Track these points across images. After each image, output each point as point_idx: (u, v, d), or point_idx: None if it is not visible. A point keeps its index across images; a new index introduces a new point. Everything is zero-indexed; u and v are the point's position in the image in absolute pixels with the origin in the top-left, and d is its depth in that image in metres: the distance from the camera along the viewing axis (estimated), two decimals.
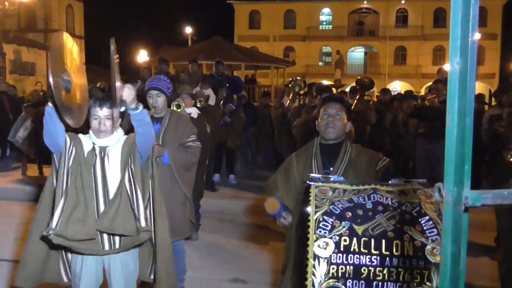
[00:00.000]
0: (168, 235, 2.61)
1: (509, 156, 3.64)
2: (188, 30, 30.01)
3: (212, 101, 6.83)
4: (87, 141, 2.44)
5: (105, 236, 2.36)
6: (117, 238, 2.39)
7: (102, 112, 2.39)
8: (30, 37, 30.33)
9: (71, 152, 2.37)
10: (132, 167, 2.41)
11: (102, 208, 2.33)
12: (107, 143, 2.42)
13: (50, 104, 2.25)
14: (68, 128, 2.36)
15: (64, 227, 2.22)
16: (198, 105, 5.45)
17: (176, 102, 4.12)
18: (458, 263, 0.80)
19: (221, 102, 7.02)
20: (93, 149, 2.40)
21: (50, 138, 2.36)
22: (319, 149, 2.45)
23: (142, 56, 21.97)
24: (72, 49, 2.29)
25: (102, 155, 2.39)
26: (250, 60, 14.89)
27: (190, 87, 5.67)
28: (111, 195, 2.35)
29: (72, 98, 2.21)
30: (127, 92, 2.25)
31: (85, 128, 2.47)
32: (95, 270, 2.49)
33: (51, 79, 2.08)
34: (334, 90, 10.73)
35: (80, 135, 2.46)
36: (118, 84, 2.17)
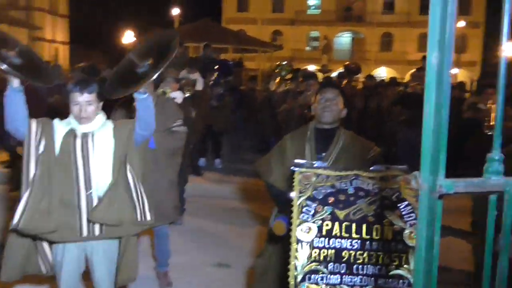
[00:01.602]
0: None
1: (487, 131, 3.81)
2: (176, 11, 29.50)
3: (199, 85, 6.80)
4: (61, 126, 2.34)
5: (83, 223, 2.28)
6: (96, 226, 2.31)
7: (83, 97, 2.29)
8: (12, 15, 29.50)
9: (40, 139, 2.25)
10: (132, 154, 2.35)
11: (83, 195, 2.26)
12: (90, 128, 2.34)
13: (12, 85, 2.18)
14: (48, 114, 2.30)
15: (28, 221, 2.13)
16: (187, 95, 5.43)
17: (162, 89, 4.10)
18: (432, 246, 0.84)
19: (209, 86, 7.00)
20: (73, 134, 2.30)
21: (11, 124, 2.25)
22: (314, 133, 2.49)
23: (128, 37, 21.55)
24: None
25: (85, 140, 2.30)
26: (238, 43, 14.78)
27: (176, 70, 5.63)
28: (93, 182, 2.28)
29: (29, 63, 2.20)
30: None
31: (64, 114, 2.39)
32: (76, 257, 2.43)
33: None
34: (320, 75, 10.77)
35: (56, 121, 2.35)
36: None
